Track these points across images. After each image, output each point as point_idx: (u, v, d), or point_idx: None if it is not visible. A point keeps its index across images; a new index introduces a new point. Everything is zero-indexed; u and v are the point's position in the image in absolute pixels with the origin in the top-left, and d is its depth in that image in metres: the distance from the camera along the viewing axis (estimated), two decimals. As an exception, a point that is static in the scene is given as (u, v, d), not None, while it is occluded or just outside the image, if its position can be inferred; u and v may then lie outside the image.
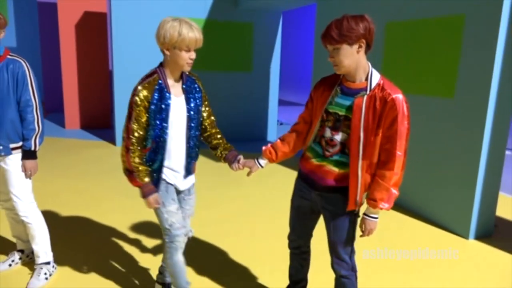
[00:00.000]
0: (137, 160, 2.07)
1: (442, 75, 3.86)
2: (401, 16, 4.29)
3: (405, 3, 4.24)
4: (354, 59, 1.85)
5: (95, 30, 8.35)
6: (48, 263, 2.76)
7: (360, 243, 3.17)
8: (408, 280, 2.95)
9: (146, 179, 2.09)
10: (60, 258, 2.96)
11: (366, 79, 1.89)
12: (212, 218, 3.96)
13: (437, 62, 3.90)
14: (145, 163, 2.12)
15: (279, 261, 3.03)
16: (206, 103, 2.30)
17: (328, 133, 1.99)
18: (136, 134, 2.06)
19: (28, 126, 2.47)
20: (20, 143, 2.51)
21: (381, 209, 1.91)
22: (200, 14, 7.19)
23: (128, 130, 2.06)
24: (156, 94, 2.03)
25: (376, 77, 1.89)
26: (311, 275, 2.51)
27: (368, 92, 1.87)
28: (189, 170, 2.26)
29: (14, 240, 2.97)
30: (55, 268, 2.83)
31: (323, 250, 2.33)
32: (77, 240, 3.40)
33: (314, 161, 2.04)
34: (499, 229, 3.87)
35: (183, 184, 2.27)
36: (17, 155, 2.51)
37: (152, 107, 2.03)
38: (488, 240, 3.64)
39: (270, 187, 4.95)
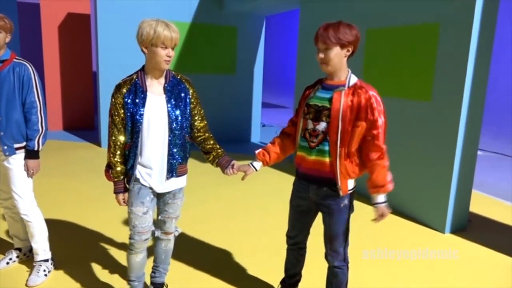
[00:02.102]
0: (116, 158, 2.20)
1: (419, 79, 4.11)
2: (381, 23, 4.53)
3: (385, 11, 4.48)
4: (340, 61, 2.06)
5: (78, 31, 8.34)
6: (47, 260, 2.84)
7: (360, 243, 3.34)
8: (411, 281, 3.14)
9: (120, 177, 2.22)
10: (56, 255, 3.02)
11: (345, 78, 2.11)
12: (205, 215, 4.10)
13: (414, 67, 4.15)
14: (125, 160, 2.23)
15: (272, 256, 3.18)
16: (198, 107, 2.33)
17: (310, 125, 2.16)
18: (115, 132, 2.18)
19: (32, 127, 2.56)
20: (24, 143, 2.59)
21: (389, 190, 2.13)
22: (185, 17, 7.29)
23: (109, 128, 2.21)
24: (131, 92, 2.14)
25: (354, 78, 2.12)
26: (305, 270, 2.66)
27: (346, 87, 2.08)
28: (172, 172, 2.25)
29: (11, 238, 3.03)
30: (53, 265, 2.91)
31: (315, 247, 2.47)
32: (70, 238, 3.47)
33: (305, 157, 2.20)
34: (473, 224, 4.13)
35: (164, 186, 2.27)
36: (20, 155, 2.59)
37: (127, 104, 2.13)
38: (462, 233, 3.90)
39: (261, 186, 5.11)
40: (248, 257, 3.25)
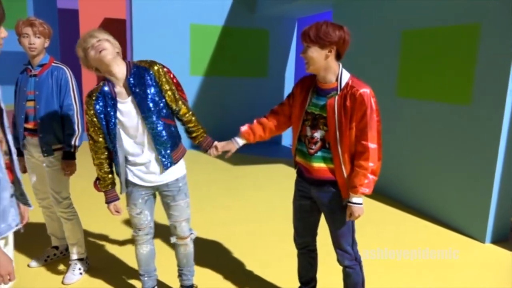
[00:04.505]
0: (103, 170, 2.23)
1: (458, 82, 3.95)
2: (417, 24, 4.39)
3: (421, 11, 4.34)
4: (321, 61, 2.00)
5: (114, 35, 8.51)
6: (82, 259, 2.91)
7: (362, 243, 3.20)
8: (415, 281, 3.03)
9: (109, 187, 2.25)
10: (91, 254, 3.10)
11: (337, 80, 2.04)
12: (225, 219, 4.09)
13: (453, 70, 3.99)
14: (111, 168, 2.25)
15: (291, 263, 3.12)
16: (167, 86, 2.17)
17: (308, 131, 2.14)
18: (97, 145, 2.18)
19: (69, 129, 2.64)
20: (61, 145, 2.67)
21: (362, 193, 2.05)
22: (217, 21, 7.36)
23: (89, 143, 2.21)
24: (99, 100, 2.11)
25: (345, 77, 2.04)
26: (321, 276, 2.62)
27: (338, 92, 2.02)
28: (167, 159, 2.20)
29: (49, 237, 3.12)
30: (88, 264, 2.98)
31: (330, 251, 2.41)
32: (104, 237, 3.55)
33: (307, 163, 2.19)
34: (515, 234, 3.93)
35: (161, 177, 2.24)
36: (57, 156, 2.67)
37: (99, 113, 2.11)
38: (504, 244, 3.70)
39: (283, 189, 5.03)
40: (273, 263, 3.21)
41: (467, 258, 3.42)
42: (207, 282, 2.89)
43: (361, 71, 5.56)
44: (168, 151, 2.21)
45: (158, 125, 2.15)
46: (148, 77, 2.14)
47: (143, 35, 6.88)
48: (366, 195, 2.08)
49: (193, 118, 2.34)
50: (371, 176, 2.02)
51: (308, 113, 2.14)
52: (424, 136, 4.38)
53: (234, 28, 7.49)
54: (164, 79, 2.18)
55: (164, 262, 3.06)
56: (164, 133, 2.17)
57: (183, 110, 2.29)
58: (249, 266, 3.16)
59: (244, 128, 2.36)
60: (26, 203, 1.71)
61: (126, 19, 8.67)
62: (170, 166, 2.23)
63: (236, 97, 7.67)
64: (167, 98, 2.19)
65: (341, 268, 2.33)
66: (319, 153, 2.11)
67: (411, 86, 4.52)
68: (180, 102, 2.27)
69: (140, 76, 2.13)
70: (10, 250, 1.67)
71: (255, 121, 2.38)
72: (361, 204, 2.08)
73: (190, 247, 2.50)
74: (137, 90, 2.11)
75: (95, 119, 2.13)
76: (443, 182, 4.16)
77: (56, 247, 3.10)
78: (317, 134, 2.10)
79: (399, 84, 4.68)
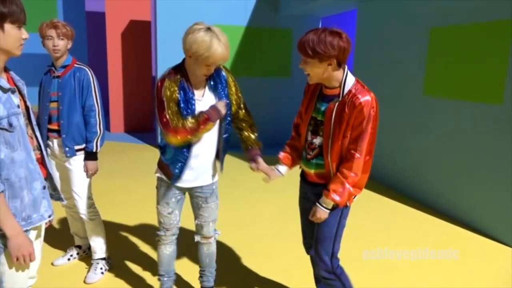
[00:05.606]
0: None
1: (489, 80, 3.78)
2: (445, 21, 4.24)
3: (450, 8, 4.19)
4: (322, 73, 1.92)
5: (139, 37, 8.69)
6: (104, 258, 2.94)
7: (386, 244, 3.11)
8: (442, 284, 2.92)
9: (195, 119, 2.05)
10: (113, 254, 3.12)
11: (340, 86, 1.96)
12: (246, 221, 4.06)
13: (483, 68, 3.83)
14: (166, 154, 2.20)
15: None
16: (234, 92, 2.24)
17: (309, 136, 2.10)
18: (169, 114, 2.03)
19: (91, 129, 2.66)
20: (83, 145, 2.70)
21: (333, 200, 1.96)
22: (240, 21, 7.35)
23: (162, 117, 2.03)
24: (180, 91, 2.06)
25: (349, 84, 1.94)
26: None
27: (340, 98, 1.94)
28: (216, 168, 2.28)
29: (72, 236, 3.15)
30: (110, 264, 3.00)
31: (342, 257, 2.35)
32: (126, 237, 3.57)
33: (305, 168, 2.16)
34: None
35: (199, 180, 2.25)
36: (80, 156, 2.70)
37: (180, 102, 2.06)
38: (538, 250, 3.54)
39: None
40: (294, 266, 3.14)
41: (496, 263, 3.28)
42: (227, 284, 2.86)
43: (386, 70, 5.42)
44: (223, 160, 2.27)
45: (228, 130, 2.22)
46: (223, 80, 2.19)
47: (167, 36, 6.93)
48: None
49: (248, 124, 2.33)
50: (348, 186, 1.95)
51: (312, 117, 2.09)
52: (451, 136, 4.23)
53: (258, 28, 7.46)
54: (232, 85, 2.24)
55: (186, 264, 3.07)
56: (228, 139, 2.26)
57: (246, 112, 2.34)
58: (270, 269, 3.12)
59: (281, 154, 2.28)
60: (59, 198, 1.77)
61: (151, 21, 8.79)
62: (208, 175, 2.28)
63: (260, 97, 7.63)
64: (233, 103, 2.24)
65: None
66: (315, 160, 2.08)
67: (439, 84, 4.37)
68: (243, 105, 2.32)
69: (218, 77, 2.17)
70: (40, 242, 1.70)
71: (286, 146, 2.29)
72: (327, 209, 2.01)
73: (213, 247, 2.50)
74: (216, 91, 2.15)
75: (175, 95, 2.03)
76: (472, 184, 4.00)
77: (79, 246, 3.14)
78: (316, 141, 2.06)
79: (426, 83, 4.54)
